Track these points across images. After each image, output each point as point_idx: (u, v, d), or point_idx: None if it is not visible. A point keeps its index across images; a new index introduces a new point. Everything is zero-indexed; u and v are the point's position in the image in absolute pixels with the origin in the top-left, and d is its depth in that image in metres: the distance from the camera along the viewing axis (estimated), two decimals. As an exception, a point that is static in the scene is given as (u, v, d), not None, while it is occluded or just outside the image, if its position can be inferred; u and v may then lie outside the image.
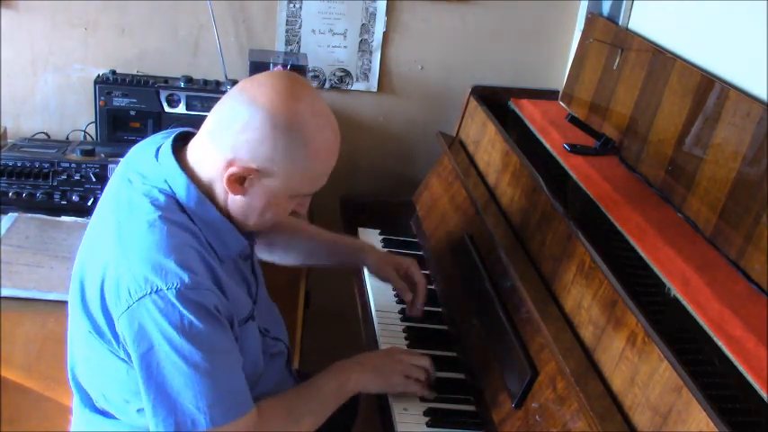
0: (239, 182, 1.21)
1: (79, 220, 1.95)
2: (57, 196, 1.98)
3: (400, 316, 1.82)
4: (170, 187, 1.23)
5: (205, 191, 1.24)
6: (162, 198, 1.22)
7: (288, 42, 2.33)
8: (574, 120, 1.93)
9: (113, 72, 2.18)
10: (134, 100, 2.14)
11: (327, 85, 2.40)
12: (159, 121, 2.16)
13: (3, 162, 1.95)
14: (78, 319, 1.25)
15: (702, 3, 1.75)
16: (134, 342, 1.16)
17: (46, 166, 1.97)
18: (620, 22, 2.04)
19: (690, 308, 1.24)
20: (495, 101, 2.23)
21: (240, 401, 1.21)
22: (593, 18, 2.15)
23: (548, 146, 1.91)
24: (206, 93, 2.16)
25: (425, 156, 2.46)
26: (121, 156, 1.98)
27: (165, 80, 2.19)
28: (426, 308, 1.86)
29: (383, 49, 2.38)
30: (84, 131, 2.29)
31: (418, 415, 1.49)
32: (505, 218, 1.77)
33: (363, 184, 2.49)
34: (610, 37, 2.00)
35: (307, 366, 1.80)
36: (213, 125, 1.23)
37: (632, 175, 1.75)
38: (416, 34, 2.38)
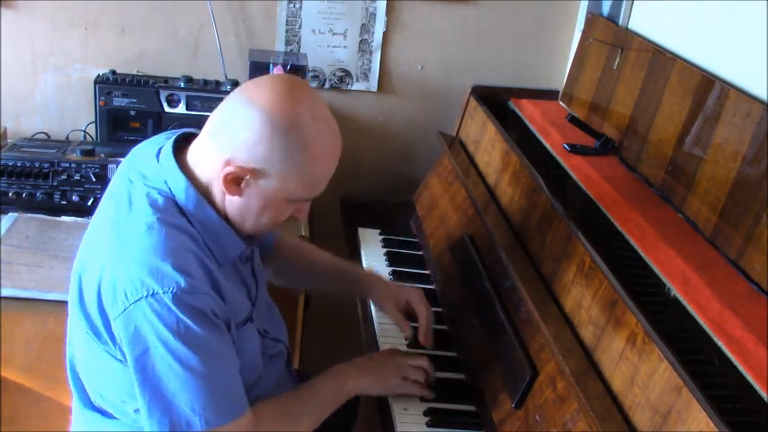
0: (236, 182, 1.20)
1: (79, 220, 1.95)
2: (57, 196, 1.98)
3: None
4: (169, 189, 1.23)
5: (204, 192, 1.24)
6: (161, 199, 1.22)
7: (288, 42, 2.33)
8: (574, 120, 1.93)
9: (113, 72, 2.18)
10: (134, 100, 2.14)
11: (327, 85, 2.40)
12: (159, 121, 2.16)
13: (3, 162, 1.95)
14: (76, 318, 1.25)
15: (702, 3, 1.75)
16: (130, 344, 1.16)
17: (46, 166, 1.97)
18: (620, 22, 2.04)
19: (690, 308, 1.24)
20: (495, 101, 2.23)
21: (235, 403, 1.21)
22: (593, 18, 2.15)
23: (548, 146, 1.91)
24: (206, 93, 2.16)
25: (425, 156, 2.46)
26: (122, 156, 1.99)
27: (165, 80, 2.19)
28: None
29: (383, 49, 2.38)
30: (85, 131, 2.29)
31: (418, 415, 1.49)
32: (505, 218, 1.77)
33: (363, 184, 2.49)
34: (610, 37, 2.00)
35: (307, 366, 1.80)
36: (213, 126, 1.23)
37: (632, 175, 1.75)
38: (416, 34, 2.38)
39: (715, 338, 1.16)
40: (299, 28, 2.33)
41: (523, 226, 1.69)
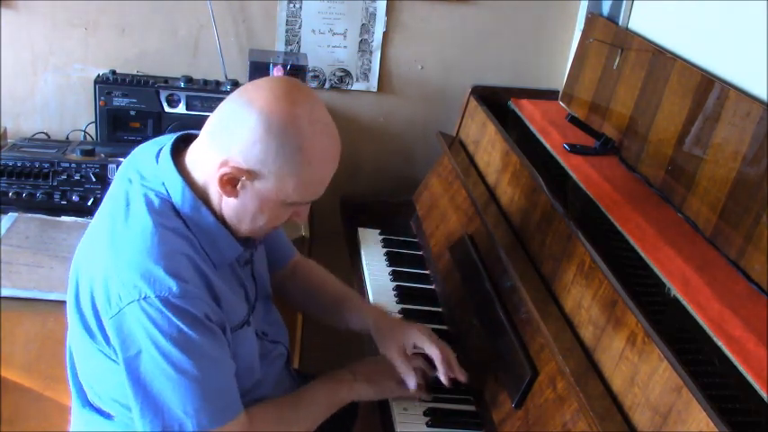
0: (231, 183, 1.19)
1: (79, 220, 1.95)
2: (57, 196, 1.98)
3: (400, 316, 1.82)
4: (166, 190, 1.22)
5: (201, 195, 1.23)
6: (157, 201, 1.21)
7: (288, 42, 2.33)
8: (574, 120, 1.93)
9: (113, 72, 2.18)
10: (134, 100, 2.14)
11: (327, 85, 2.40)
12: (159, 121, 2.16)
13: (3, 162, 1.95)
14: (72, 317, 1.26)
15: (702, 3, 1.75)
16: (122, 346, 1.16)
17: (46, 166, 1.97)
18: (620, 22, 2.04)
19: (690, 308, 1.24)
20: (495, 101, 2.23)
21: (229, 406, 1.21)
22: (593, 18, 2.15)
23: (548, 146, 1.91)
24: (206, 93, 2.16)
25: (425, 156, 2.46)
26: (122, 156, 2.00)
27: (165, 80, 2.19)
28: (426, 308, 1.87)
29: (383, 49, 2.38)
30: (85, 131, 2.29)
31: (418, 415, 1.49)
32: (505, 218, 1.77)
33: (363, 184, 2.49)
34: (610, 37, 2.00)
35: (307, 367, 1.80)
36: (211, 127, 1.22)
37: (632, 175, 1.75)
38: (416, 34, 2.38)
39: (715, 338, 1.16)
40: (299, 28, 2.33)
41: (523, 226, 1.69)
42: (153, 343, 1.14)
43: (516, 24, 2.40)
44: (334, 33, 2.35)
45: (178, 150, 1.26)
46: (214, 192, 1.23)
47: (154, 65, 2.29)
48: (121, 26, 2.27)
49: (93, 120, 2.17)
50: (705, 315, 1.21)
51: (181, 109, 2.16)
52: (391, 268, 2.02)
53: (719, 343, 1.15)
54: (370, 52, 2.38)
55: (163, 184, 1.23)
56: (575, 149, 1.85)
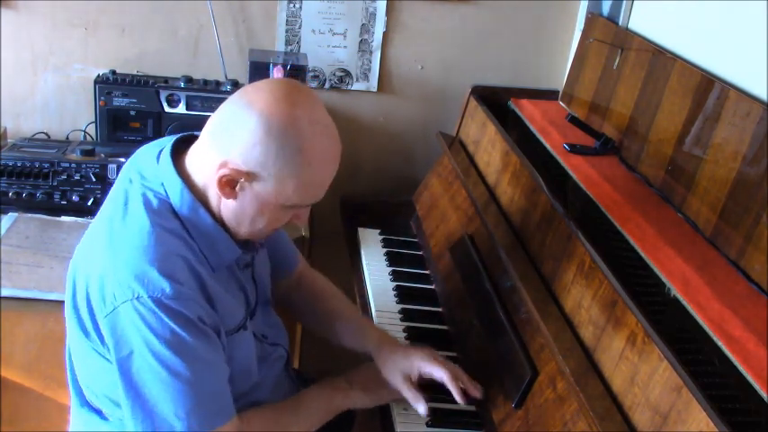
0: (230, 185, 1.19)
1: (79, 220, 1.95)
2: (57, 196, 1.98)
3: (400, 316, 1.82)
4: (165, 191, 1.22)
5: (200, 196, 1.23)
6: (155, 201, 1.21)
7: (288, 42, 2.33)
8: (574, 120, 1.93)
9: (113, 72, 2.18)
10: (134, 100, 2.14)
11: (327, 85, 2.40)
12: (159, 121, 2.16)
13: (3, 162, 1.95)
14: (69, 316, 1.26)
15: (702, 3, 1.75)
16: (115, 346, 1.16)
17: (46, 166, 1.97)
18: (620, 22, 2.04)
19: (690, 308, 1.24)
20: (495, 101, 2.23)
21: (222, 410, 1.20)
22: (593, 18, 2.15)
23: (548, 146, 1.91)
24: (206, 93, 2.16)
25: (425, 156, 2.46)
26: (122, 156, 2.00)
27: (165, 80, 2.19)
28: (426, 308, 1.87)
29: (383, 49, 2.38)
30: (85, 131, 2.29)
31: (418, 415, 1.48)
32: (505, 218, 1.77)
33: (363, 184, 2.49)
34: (610, 37, 2.00)
35: (307, 367, 1.80)
36: (211, 129, 1.22)
37: (632, 175, 1.75)
38: (416, 34, 2.38)
39: (715, 338, 1.16)
40: (299, 28, 2.33)
41: (523, 226, 1.69)
42: (145, 344, 1.13)
43: (516, 24, 2.40)
44: (334, 33, 2.35)
45: (179, 151, 1.26)
46: (213, 193, 1.22)
47: (154, 65, 2.29)
48: (121, 26, 2.27)
49: (93, 120, 2.17)
50: (705, 315, 1.21)
51: (181, 109, 2.16)
52: (391, 268, 2.02)
53: (719, 343, 1.15)
54: (370, 52, 2.38)
55: (162, 184, 1.22)
56: (575, 149, 1.85)
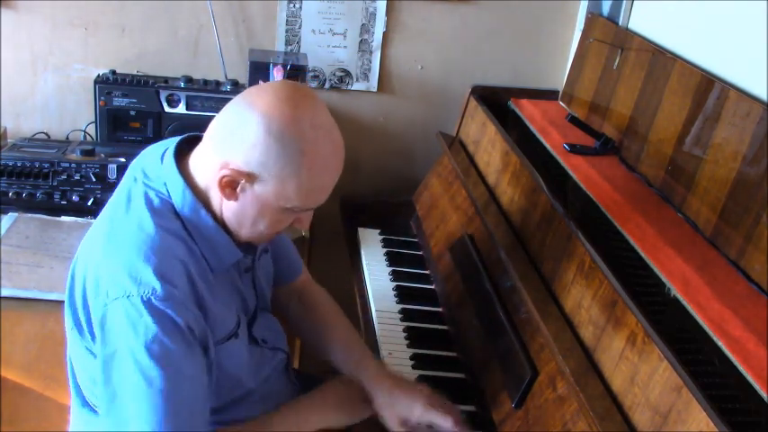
0: (231, 186, 1.18)
1: (79, 220, 1.95)
2: (57, 196, 1.98)
3: (400, 316, 1.82)
4: (167, 191, 1.22)
5: (201, 197, 1.22)
6: (157, 201, 1.21)
7: (288, 42, 2.33)
8: (574, 120, 1.93)
9: (113, 72, 2.18)
10: (134, 100, 2.14)
11: (327, 85, 2.40)
12: (159, 121, 2.16)
13: (3, 162, 1.95)
14: (66, 314, 1.25)
15: (702, 3, 1.75)
16: (102, 343, 1.15)
17: (46, 166, 1.97)
18: (620, 22, 2.04)
19: (690, 308, 1.24)
20: (495, 101, 2.23)
21: (194, 424, 1.15)
22: (593, 18, 2.15)
23: (548, 146, 1.91)
24: (206, 93, 2.16)
25: (425, 156, 2.46)
26: (122, 156, 2.00)
27: (165, 80, 2.20)
28: (426, 308, 1.87)
29: (383, 49, 2.38)
30: (85, 131, 2.29)
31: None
32: (505, 218, 1.77)
33: (363, 184, 2.49)
34: (610, 37, 2.00)
35: (307, 367, 1.80)
36: (214, 130, 1.21)
37: (632, 175, 1.75)
38: (416, 34, 2.38)
39: (715, 338, 1.16)
40: (299, 28, 2.33)
41: (523, 226, 1.69)
42: (127, 346, 1.11)
43: (516, 24, 2.40)
44: (334, 33, 2.35)
45: (183, 152, 1.26)
46: (215, 195, 1.21)
47: (154, 65, 2.29)
48: (121, 26, 2.27)
49: (93, 120, 2.17)
50: (705, 315, 1.21)
51: (181, 109, 2.16)
52: (391, 268, 2.02)
53: (719, 343, 1.15)
54: (370, 52, 2.38)
55: (165, 184, 1.22)
56: (575, 149, 1.85)
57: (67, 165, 1.97)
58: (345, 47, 2.37)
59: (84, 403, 1.33)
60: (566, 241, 1.49)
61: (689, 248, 1.42)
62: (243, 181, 1.17)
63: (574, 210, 1.64)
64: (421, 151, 2.49)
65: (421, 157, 2.49)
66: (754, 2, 1.53)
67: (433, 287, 1.96)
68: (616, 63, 1.93)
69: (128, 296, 1.12)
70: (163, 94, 2.15)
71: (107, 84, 2.13)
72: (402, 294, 1.90)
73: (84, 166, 1.98)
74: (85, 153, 2.00)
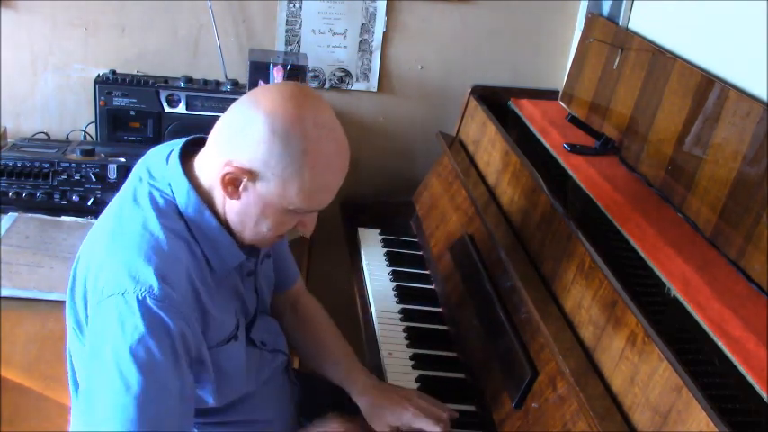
0: (233, 184, 1.18)
1: (79, 220, 1.95)
2: (57, 196, 1.98)
3: (400, 316, 1.83)
4: (172, 192, 1.22)
5: (205, 198, 1.22)
6: (162, 201, 1.21)
7: (288, 42, 2.33)
8: (574, 120, 1.93)
9: (113, 72, 2.18)
10: (134, 100, 2.14)
11: (327, 85, 2.40)
12: (159, 121, 2.16)
13: (3, 162, 1.95)
14: (68, 314, 1.25)
15: (702, 3, 1.75)
16: (91, 336, 1.14)
17: (46, 166, 1.97)
18: (620, 22, 2.04)
19: (690, 308, 1.24)
20: (495, 101, 2.23)
21: None
22: (593, 18, 2.15)
23: (548, 146, 1.91)
24: (206, 93, 2.16)
25: (425, 156, 2.46)
26: (122, 156, 2.00)
27: (165, 80, 2.20)
28: (426, 308, 1.87)
29: (383, 49, 2.38)
30: (85, 131, 2.29)
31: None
32: (505, 218, 1.77)
33: (363, 184, 2.49)
34: (610, 37, 2.00)
35: (307, 367, 1.80)
36: (218, 130, 1.21)
37: (632, 175, 1.75)
38: (416, 34, 2.38)
39: (715, 338, 1.16)
40: (299, 28, 2.33)
41: (523, 226, 1.69)
42: (113, 345, 1.09)
43: (516, 24, 2.40)
44: (334, 33, 2.35)
45: (189, 153, 1.25)
46: (219, 195, 1.21)
47: (154, 65, 2.29)
48: (121, 26, 2.27)
49: (93, 120, 2.17)
50: (705, 315, 1.21)
51: (181, 109, 2.16)
52: (391, 268, 2.02)
53: (719, 343, 1.15)
54: (370, 52, 2.38)
55: (169, 184, 1.22)
56: (575, 149, 1.84)
57: (67, 165, 1.97)
58: (345, 47, 2.37)
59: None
60: (566, 241, 1.49)
61: (689, 248, 1.42)
62: (245, 179, 1.17)
63: (574, 210, 1.64)
64: (421, 151, 2.49)
65: (421, 157, 2.49)
66: (754, 2, 1.53)
67: (433, 287, 1.96)
68: (616, 63, 1.93)
69: (123, 293, 1.11)
70: (163, 94, 2.15)
71: (107, 84, 2.13)
72: (402, 294, 1.90)
73: (84, 166, 1.98)
74: (85, 153, 2.00)
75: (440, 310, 1.86)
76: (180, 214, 1.21)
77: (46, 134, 2.29)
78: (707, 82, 1.57)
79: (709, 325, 1.18)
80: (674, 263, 1.36)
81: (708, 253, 1.42)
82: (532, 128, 2.05)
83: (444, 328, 1.80)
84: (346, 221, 2.27)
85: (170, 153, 1.26)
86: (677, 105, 1.65)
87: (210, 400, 1.30)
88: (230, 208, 1.22)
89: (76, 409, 1.34)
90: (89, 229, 1.29)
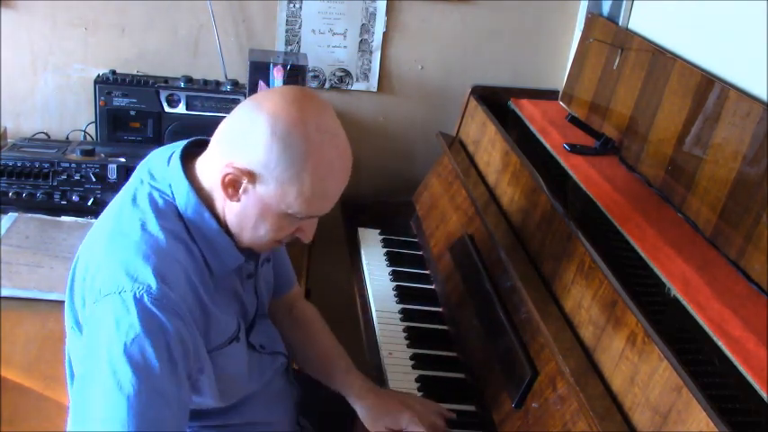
0: (233, 185, 1.17)
1: (79, 220, 1.95)
2: (57, 196, 1.98)
3: (400, 316, 1.83)
4: (172, 193, 1.22)
5: (206, 200, 1.22)
6: (161, 202, 1.21)
7: (288, 42, 2.33)
8: (574, 120, 1.93)
9: (113, 72, 2.18)
10: (134, 100, 2.14)
11: (327, 85, 2.40)
12: (159, 121, 2.16)
13: (3, 162, 1.95)
14: (66, 314, 1.25)
15: (702, 3, 1.75)
16: (86, 334, 1.14)
17: (46, 166, 1.97)
18: (620, 22, 2.04)
19: (690, 308, 1.24)
20: (495, 101, 2.23)
21: None
22: (593, 18, 2.15)
23: (548, 146, 1.91)
24: (206, 93, 2.16)
25: (425, 156, 2.46)
26: (122, 156, 2.00)
27: (165, 80, 2.20)
28: (426, 308, 1.87)
29: (383, 49, 2.38)
30: (85, 131, 2.29)
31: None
32: (505, 218, 1.77)
33: (363, 184, 2.49)
34: (610, 37, 2.00)
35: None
36: (220, 133, 1.21)
37: (632, 175, 1.75)
38: (416, 34, 2.38)
39: (715, 338, 1.16)
40: (299, 28, 2.33)
41: (523, 226, 1.69)
42: (108, 344, 1.08)
43: (516, 24, 2.40)
44: (334, 33, 2.35)
45: (191, 155, 1.25)
46: (219, 197, 1.21)
47: (154, 65, 2.29)
48: (121, 26, 2.27)
49: (93, 120, 2.17)
50: (705, 315, 1.21)
51: (181, 109, 2.16)
52: (391, 268, 2.02)
53: (719, 343, 1.15)
54: (370, 52, 2.38)
55: (170, 185, 1.22)
56: (575, 149, 1.85)
57: (67, 165, 1.97)
58: (345, 47, 2.37)
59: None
60: (566, 241, 1.49)
61: (689, 248, 1.42)
62: (245, 181, 1.16)
63: (574, 210, 1.64)
64: (421, 151, 2.49)
65: (421, 157, 2.49)
66: (754, 2, 1.53)
67: (433, 287, 1.96)
68: (616, 63, 1.93)
69: (120, 292, 1.10)
70: (163, 94, 2.15)
71: (107, 84, 2.13)
72: (402, 294, 1.90)
73: (84, 166, 1.98)
74: (85, 153, 2.00)
75: (440, 310, 1.86)
76: (179, 215, 1.21)
77: (46, 134, 2.29)
78: (707, 82, 1.57)
79: (709, 325, 1.18)
80: (674, 263, 1.36)
81: (708, 253, 1.42)
82: (532, 128, 2.05)
83: (444, 328, 1.80)
84: (346, 221, 2.27)
85: (171, 154, 1.25)
86: (677, 105, 1.65)
87: (212, 402, 1.30)
88: (230, 210, 1.21)
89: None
90: (89, 229, 1.28)
